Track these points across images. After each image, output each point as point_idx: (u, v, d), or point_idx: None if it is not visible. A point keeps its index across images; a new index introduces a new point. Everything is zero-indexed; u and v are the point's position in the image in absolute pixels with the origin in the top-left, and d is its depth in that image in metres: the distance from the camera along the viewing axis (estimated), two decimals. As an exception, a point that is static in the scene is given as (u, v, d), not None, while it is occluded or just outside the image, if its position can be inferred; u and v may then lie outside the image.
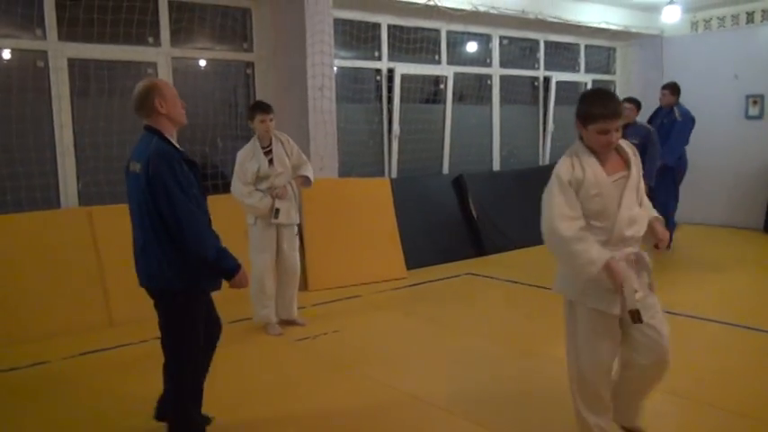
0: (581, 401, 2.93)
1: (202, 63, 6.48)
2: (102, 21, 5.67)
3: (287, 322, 5.07)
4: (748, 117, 8.86)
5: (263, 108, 4.85)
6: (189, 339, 3.03)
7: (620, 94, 10.12)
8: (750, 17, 8.91)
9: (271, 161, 4.84)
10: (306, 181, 5.04)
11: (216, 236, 2.96)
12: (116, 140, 5.80)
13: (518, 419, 3.42)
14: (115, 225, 5.36)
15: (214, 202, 3.41)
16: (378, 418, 3.52)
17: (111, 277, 5.25)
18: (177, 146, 3.01)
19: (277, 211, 4.80)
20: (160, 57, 6.01)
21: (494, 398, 3.71)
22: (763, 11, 8.75)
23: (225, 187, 5.82)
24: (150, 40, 5.97)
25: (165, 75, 6.01)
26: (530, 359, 4.31)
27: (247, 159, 4.82)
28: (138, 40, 5.89)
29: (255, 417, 3.53)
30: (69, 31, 5.55)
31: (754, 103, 8.78)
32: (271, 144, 4.87)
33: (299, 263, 5.07)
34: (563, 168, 2.75)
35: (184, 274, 2.91)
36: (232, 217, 4.88)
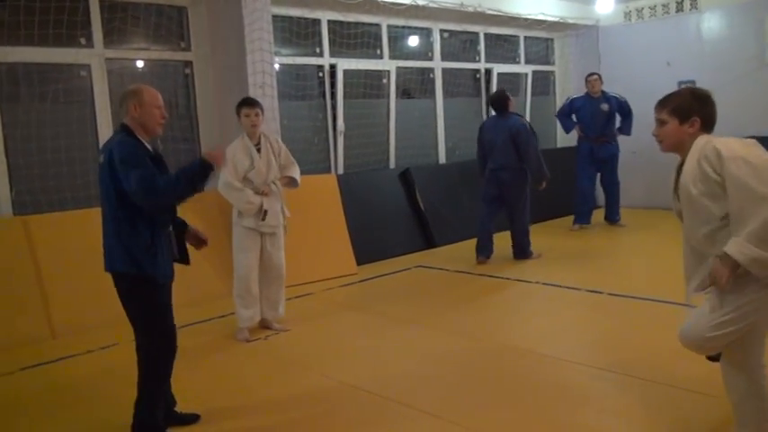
0: None
1: (139, 64, 6.30)
2: (30, 22, 5.45)
3: (266, 326, 4.94)
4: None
5: (247, 102, 4.74)
6: (151, 327, 3.11)
7: (559, 83, 10.36)
8: (679, 6, 9.19)
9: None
10: (292, 182, 4.92)
11: (167, 177, 3.09)
12: (51, 146, 5.59)
13: (476, 409, 3.45)
14: (54, 234, 5.22)
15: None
16: (335, 413, 3.51)
17: (51, 287, 5.06)
18: (146, 144, 3.12)
19: (265, 212, 4.68)
20: (93, 58, 5.82)
21: (450, 389, 3.74)
22: (691, -1, 9.06)
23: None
24: (82, 41, 5.78)
25: (99, 77, 5.83)
26: (484, 348, 4.36)
27: (238, 154, 4.67)
28: (69, 42, 5.69)
29: (208, 416, 3.47)
30: (-6, 34, 5.33)
31: (686, 89, 9.07)
32: (260, 143, 4.76)
33: (284, 261, 4.91)
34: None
35: (127, 258, 3.01)
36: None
